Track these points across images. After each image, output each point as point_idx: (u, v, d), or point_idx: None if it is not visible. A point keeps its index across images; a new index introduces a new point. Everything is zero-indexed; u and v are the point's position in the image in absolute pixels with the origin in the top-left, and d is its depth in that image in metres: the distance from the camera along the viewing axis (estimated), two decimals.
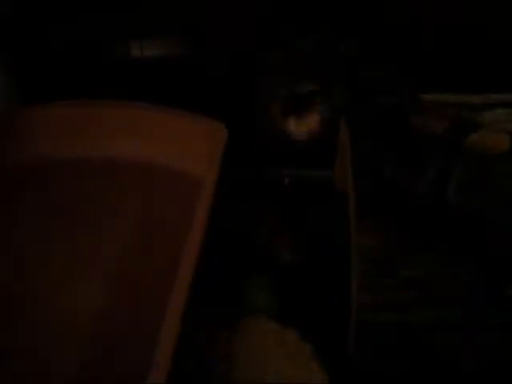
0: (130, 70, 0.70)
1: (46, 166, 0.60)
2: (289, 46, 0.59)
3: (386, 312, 0.46)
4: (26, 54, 0.68)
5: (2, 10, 0.66)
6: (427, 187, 0.47)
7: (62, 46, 0.68)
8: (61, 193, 0.58)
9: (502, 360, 0.45)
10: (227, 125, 0.57)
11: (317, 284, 0.52)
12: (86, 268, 0.52)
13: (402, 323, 0.46)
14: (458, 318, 0.45)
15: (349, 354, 0.47)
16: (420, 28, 0.57)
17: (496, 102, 0.53)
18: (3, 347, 0.46)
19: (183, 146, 0.59)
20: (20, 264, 0.52)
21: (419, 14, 0.59)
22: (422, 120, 0.49)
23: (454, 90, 0.52)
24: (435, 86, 0.53)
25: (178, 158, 0.60)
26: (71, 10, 0.67)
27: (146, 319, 0.46)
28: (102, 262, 0.52)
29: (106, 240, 0.54)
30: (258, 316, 0.49)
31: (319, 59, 0.55)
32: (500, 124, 0.50)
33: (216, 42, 0.68)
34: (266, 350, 0.47)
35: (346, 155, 0.52)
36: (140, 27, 0.69)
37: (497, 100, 0.54)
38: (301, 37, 0.58)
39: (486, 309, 0.45)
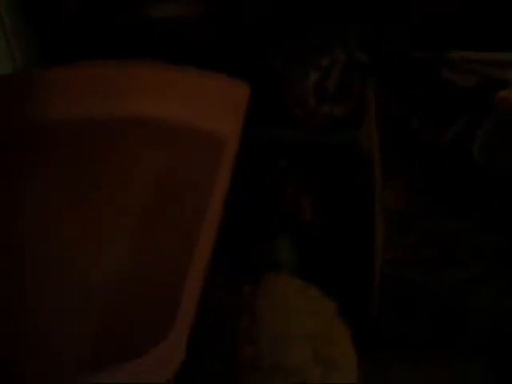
0: (146, 30, 0.69)
1: (69, 127, 0.60)
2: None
3: (409, 268, 0.46)
4: (43, 17, 0.68)
5: None
6: (452, 141, 0.46)
7: (77, 8, 0.68)
8: (85, 153, 0.58)
9: None
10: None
11: (340, 241, 0.52)
12: (112, 228, 0.52)
13: (426, 280, 0.46)
14: (481, 275, 0.45)
15: (372, 310, 0.47)
16: None
17: None
18: (17, 323, 0.46)
19: (206, 104, 0.59)
20: (34, 227, 0.52)
21: None
22: (451, 75, 0.48)
23: (480, 48, 0.50)
24: (461, 44, 0.52)
25: (201, 116, 0.59)
26: None
27: (169, 281, 0.47)
28: (127, 221, 0.53)
29: (131, 199, 0.54)
30: (281, 272, 0.49)
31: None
32: None
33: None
34: (289, 305, 0.47)
35: (371, 109, 0.51)
36: None
37: None
38: None
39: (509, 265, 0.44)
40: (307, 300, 0.47)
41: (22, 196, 0.55)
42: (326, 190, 0.54)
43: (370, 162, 0.52)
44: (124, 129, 0.60)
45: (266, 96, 0.58)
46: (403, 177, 0.47)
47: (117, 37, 0.67)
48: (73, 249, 0.51)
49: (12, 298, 0.48)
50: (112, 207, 0.54)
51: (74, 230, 0.52)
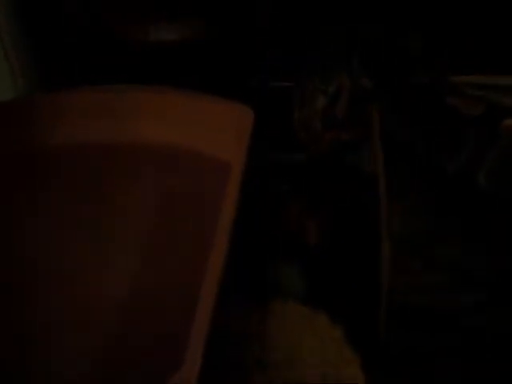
0: (147, 54, 0.69)
1: (71, 152, 0.60)
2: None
3: (416, 294, 0.46)
4: (44, 40, 0.68)
5: None
6: (458, 169, 0.46)
7: (78, 32, 0.68)
8: (86, 178, 0.58)
9: None
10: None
11: (346, 266, 0.51)
12: (110, 254, 0.52)
13: (433, 306, 0.45)
14: (489, 300, 0.45)
15: (380, 337, 0.47)
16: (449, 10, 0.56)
17: None
18: (17, 335, 0.46)
19: (210, 130, 0.59)
20: (35, 250, 0.52)
21: None
22: (457, 101, 0.48)
23: (483, 72, 0.51)
24: (464, 68, 0.52)
25: (204, 142, 0.59)
26: None
27: (177, 309, 0.46)
28: (126, 248, 0.52)
29: (130, 226, 0.54)
30: (288, 300, 0.49)
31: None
32: None
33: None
34: (297, 333, 0.47)
35: (375, 135, 0.51)
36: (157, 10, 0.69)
37: None
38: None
39: None
40: (315, 327, 0.47)
41: (23, 221, 0.55)
42: (331, 214, 0.54)
43: (375, 185, 0.52)
44: (126, 154, 0.60)
45: (269, 120, 0.58)
46: (409, 202, 0.47)
47: (118, 61, 0.67)
48: (73, 275, 0.50)
49: (10, 317, 0.47)
50: (114, 233, 0.54)
51: (75, 256, 0.51)
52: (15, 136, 0.59)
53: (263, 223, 0.54)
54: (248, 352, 0.46)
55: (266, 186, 0.57)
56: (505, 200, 0.45)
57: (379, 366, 0.46)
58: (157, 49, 0.67)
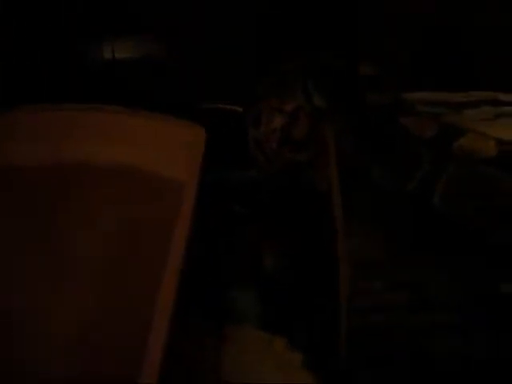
0: (102, 73, 0.68)
1: (18, 172, 0.57)
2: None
3: (376, 316, 0.45)
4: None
5: None
6: (414, 189, 0.47)
7: (34, 50, 0.67)
8: (34, 199, 0.56)
9: (494, 360, 0.44)
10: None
11: (304, 290, 0.50)
12: (63, 279, 0.50)
13: (394, 327, 0.45)
14: (448, 320, 0.45)
15: (340, 360, 0.46)
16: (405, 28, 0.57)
17: (479, 99, 0.53)
18: None
19: (161, 149, 0.58)
20: None
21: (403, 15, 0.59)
22: (411, 121, 0.48)
23: (437, 88, 0.52)
24: (418, 85, 0.53)
25: (156, 162, 0.58)
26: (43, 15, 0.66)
27: (133, 332, 0.44)
28: (79, 273, 0.50)
29: (82, 250, 0.52)
30: (245, 324, 0.48)
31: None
32: (484, 123, 0.50)
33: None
34: (254, 359, 0.45)
35: (330, 156, 0.51)
36: (112, 29, 0.68)
37: (479, 97, 0.53)
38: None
39: (475, 310, 0.44)
40: (272, 352, 0.46)
41: None
42: (287, 236, 0.53)
43: (331, 206, 0.51)
44: (74, 174, 0.58)
45: (222, 139, 0.57)
46: (366, 224, 0.47)
47: (72, 79, 0.66)
48: (29, 299, 0.48)
49: None
50: (70, 258, 0.51)
51: (29, 282, 0.49)
52: None
53: (218, 245, 0.53)
54: (204, 378, 0.44)
55: (220, 207, 0.56)
56: (460, 220, 0.46)
57: None
58: (111, 67, 0.66)
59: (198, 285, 0.49)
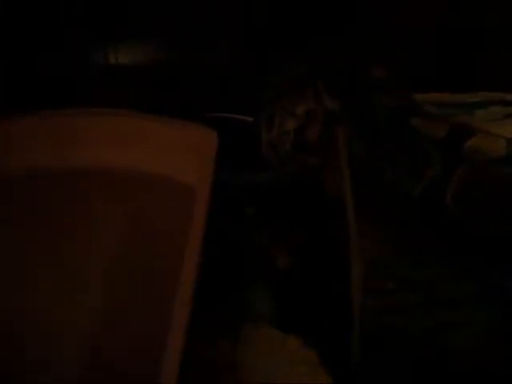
0: (107, 77, 0.69)
1: (32, 178, 0.58)
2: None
3: (389, 316, 0.46)
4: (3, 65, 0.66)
5: None
6: (426, 190, 0.47)
7: (38, 57, 0.67)
8: (47, 204, 0.56)
9: (509, 359, 0.45)
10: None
11: (317, 289, 0.51)
12: (76, 281, 0.50)
13: (407, 327, 0.45)
14: (461, 320, 0.45)
15: (353, 360, 0.46)
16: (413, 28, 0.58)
17: (487, 100, 0.54)
18: None
19: (173, 153, 0.58)
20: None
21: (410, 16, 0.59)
22: (421, 123, 0.48)
23: (447, 89, 0.52)
24: (428, 85, 0.53)
25: (167, 165, 0.58)
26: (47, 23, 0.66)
27: (145, 333, 0.45)
28: (91, 275, 0.51)
29: (94, 258, 0.52)
30: (259, 324, 0.48)
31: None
32: (493, 123, 0.50)
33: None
34: (270, 358, 0.46)
35: (342, 158, 0.51)
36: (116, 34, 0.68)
37: (488, 98, 0.54)
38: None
39: (488, 309, 0.45)
40: (288, 351, 0.47)
41: None
42: (301, 237, 0.54)
43: (343, 208, 0.52)
44: (87, 179, 0.59)
45: (234, 142, 0.57)
46: (379, 225, 0.47)
47: (78, 85, 0.66)
48: (40, 299, 0.48)
49: None
50: (78, 262, 0.52)
51: (41, 283, 0.50)
52: None
53: (231, 247, 0.54)
54: (220, 378, 0.45)
55: (232, 209, 0.57)
56: (472, 220, 0.46)
57: None
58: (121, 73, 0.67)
59: (213, 286, 0.49)
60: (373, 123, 0.49)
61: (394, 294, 0.45)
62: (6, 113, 0.59)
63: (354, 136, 0.49)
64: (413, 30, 0.60)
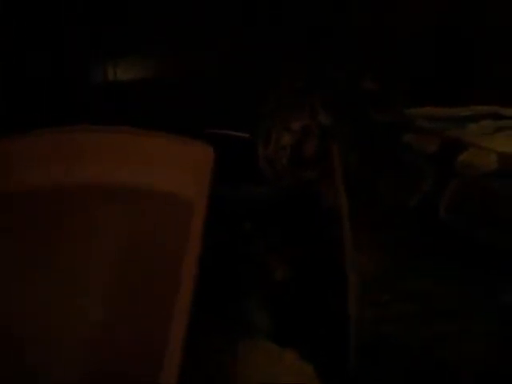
0: (106, 94, 0.69)
1: (32, 194, 0.58)
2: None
3: (385, 327, 0.46)
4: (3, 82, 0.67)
5: None
6: (419, 203, 0.47)
7: (36, 72, 0.68)
8: (46, 220, 0.57)
9: (502, 369, 0.45)
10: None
11: (313, 302, 0.51)
12: (76, 286, 0.51)
13: (403, 338, 0.46)
14: (457, 330, 0.45)
15: (350, 370, 0.47)
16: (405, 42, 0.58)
17: (479, 114, 0.54)
18: None
19: (170, 168, 0.59)
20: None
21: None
22: (413, 138, 0.49)
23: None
24: (419, 100, 0.54)
25: (164, 181, 0.59)
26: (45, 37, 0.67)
27: (144, 339, 0.45)
28: (91, 281, 0.52)
29: (93, 269, 0.53)
30: (256, 338, 0.48)
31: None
32: (485, 138, 0.51)
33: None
34: (267, 372, 0.46)
35: (336, 171, 0.52)
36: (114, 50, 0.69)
37: (481, 111, 0.54)
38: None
39: (485, 320, 0.45)
40: (284, 365, 0.47)
41: None
42: (297, 250, 0.54)
43: (339, 221, 0.52)
44: (85, 195, 0.59)
45: (230, 157, 0.58)
46: (375, 237, 0.48)
47: (76, 102, 0.67)
48: (41, 307, 0.49)
49: None
50: (78, 267, 0.53)
51: (41, 292, 0.50)
52: None
53: (229, 260, 0.54)
54: None
55: (229, 223, 0.57)
56: (466, 232, 0.46)
57: None
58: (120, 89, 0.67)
59: (210, 299, 0.49)
60: (365, 137, 0.50)
61: (391, 304, 0.46)
62: (6, 133, 0.60)
63: (348, 149, 0.50)
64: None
